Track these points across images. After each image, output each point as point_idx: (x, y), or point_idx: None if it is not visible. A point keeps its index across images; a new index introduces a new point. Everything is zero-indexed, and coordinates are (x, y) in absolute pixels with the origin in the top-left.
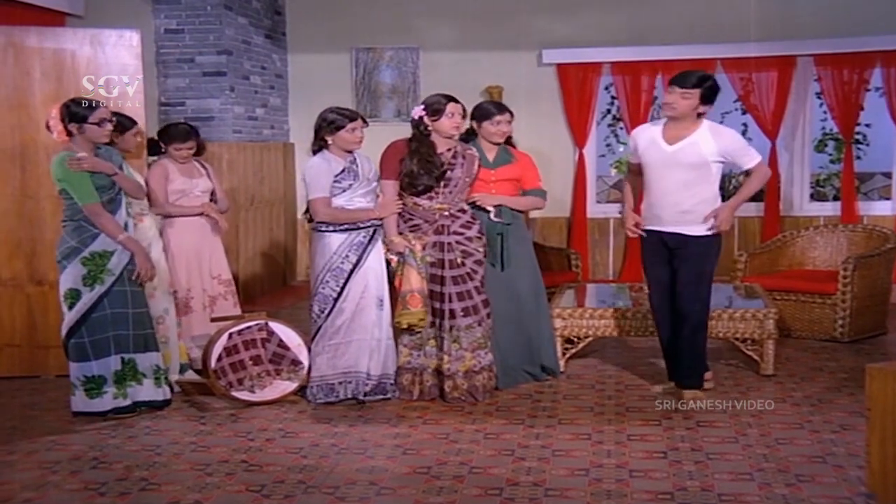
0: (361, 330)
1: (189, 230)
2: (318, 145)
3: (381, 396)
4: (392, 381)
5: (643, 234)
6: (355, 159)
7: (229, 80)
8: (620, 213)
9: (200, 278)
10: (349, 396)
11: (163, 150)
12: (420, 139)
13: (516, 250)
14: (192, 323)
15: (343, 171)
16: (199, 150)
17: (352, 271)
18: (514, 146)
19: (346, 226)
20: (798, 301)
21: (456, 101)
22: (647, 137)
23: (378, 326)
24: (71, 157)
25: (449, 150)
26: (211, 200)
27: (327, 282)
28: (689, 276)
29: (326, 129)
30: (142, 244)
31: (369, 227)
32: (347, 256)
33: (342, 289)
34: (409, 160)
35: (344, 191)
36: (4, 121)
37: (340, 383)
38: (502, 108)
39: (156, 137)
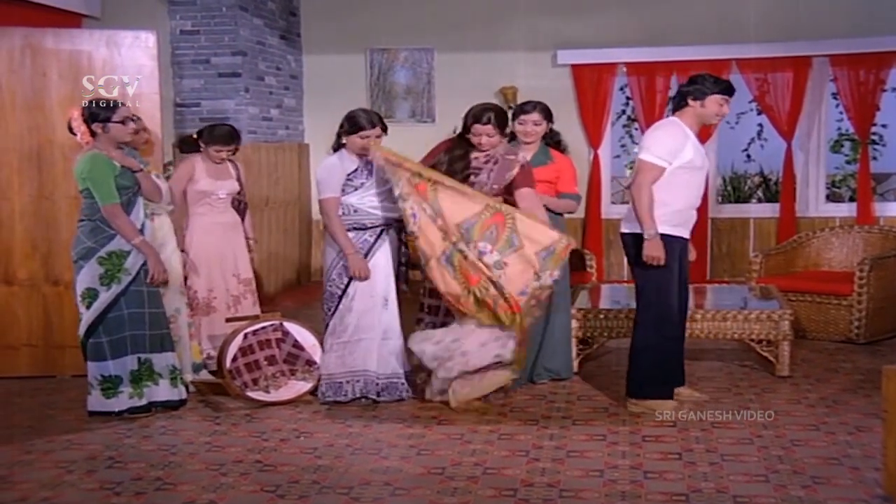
0: (369, 329)
1: (212, 231)
2: (337, 144)
3: (397, 397)
4: (403, 381)
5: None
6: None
7: (244, 81)
8: (650, 236)
9: (223, 279)
10: (358, 396)
11: (200, 148)
12: (461, 137)
13: None
14: (214, 323)
15: (356, 169)
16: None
17: None
18: (560, 150)
19: (353, 224)
20: (813, 302)
21: (488, 121)
22: (693, 138)
23: (383, 326)
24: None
25: (486, 155)
26: (235, 200)
27: (334, 280)
28: (687, 273)
29: (346, 129)
30: (154, 247)
31: (377, 226)
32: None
33: (346, 286)
34: (443, 155)
35: (356, 189)
36: (21, 122)
37: (348, 382)
38: (527, 108)
39: (195, 135)
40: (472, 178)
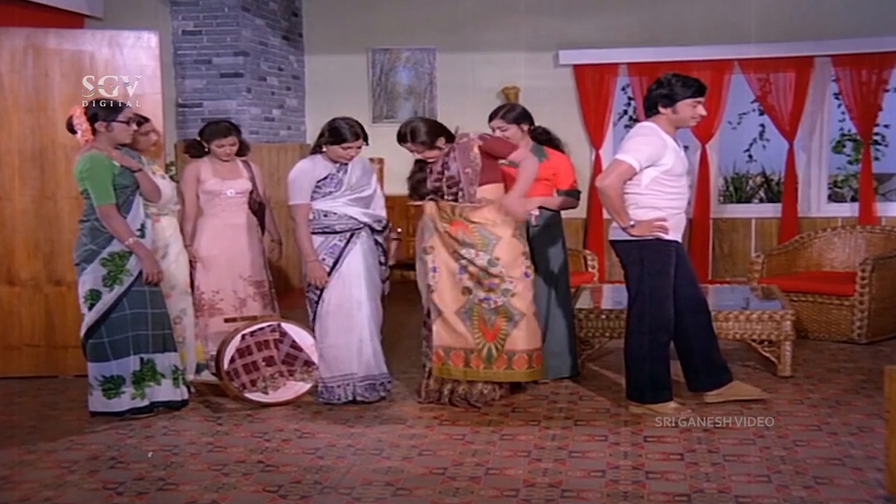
0: (347, 332)
1: (222, 232)
2: (314, 149)
3: (376, 398)
4: (382, 382)
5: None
6: (345, 166)
7: (246, 82)
8: (630, 225)
9: (231, 280)
10: (350, 398)
11: (206, 149)
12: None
13: (537, 251)
14: (220, 324)
15: (327, 176)
16: (243, 150)
17: (329, 274)
18: (554, 147)
19: (322, 229)
20: (815, 302)
21: (412, 139)
22: (672, 144)
23: (359, 328)
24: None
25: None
26: (250, 201)
27: (309, 284)
28: (694, 272)
29: (326, 139)
30: (149, 248)
31: (346, 230)
32: (324, 259)
33: (321, 292)
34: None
35: (324, 196)
36: (24, 122)
37: (339, 386)
38: (494, 114)
39: (197, 138)
40: (445, 173)
